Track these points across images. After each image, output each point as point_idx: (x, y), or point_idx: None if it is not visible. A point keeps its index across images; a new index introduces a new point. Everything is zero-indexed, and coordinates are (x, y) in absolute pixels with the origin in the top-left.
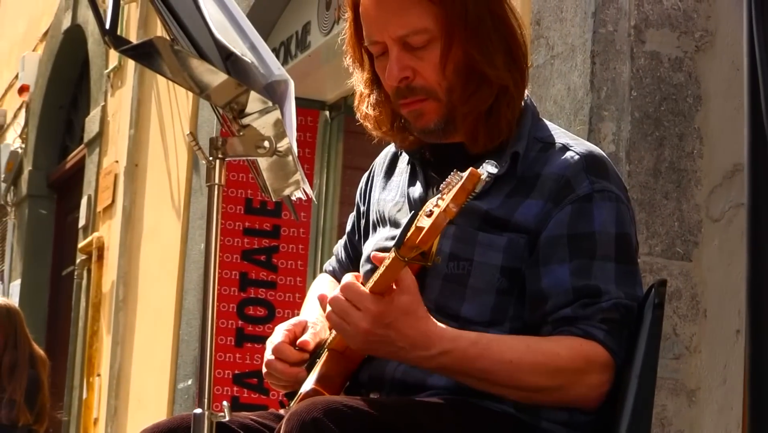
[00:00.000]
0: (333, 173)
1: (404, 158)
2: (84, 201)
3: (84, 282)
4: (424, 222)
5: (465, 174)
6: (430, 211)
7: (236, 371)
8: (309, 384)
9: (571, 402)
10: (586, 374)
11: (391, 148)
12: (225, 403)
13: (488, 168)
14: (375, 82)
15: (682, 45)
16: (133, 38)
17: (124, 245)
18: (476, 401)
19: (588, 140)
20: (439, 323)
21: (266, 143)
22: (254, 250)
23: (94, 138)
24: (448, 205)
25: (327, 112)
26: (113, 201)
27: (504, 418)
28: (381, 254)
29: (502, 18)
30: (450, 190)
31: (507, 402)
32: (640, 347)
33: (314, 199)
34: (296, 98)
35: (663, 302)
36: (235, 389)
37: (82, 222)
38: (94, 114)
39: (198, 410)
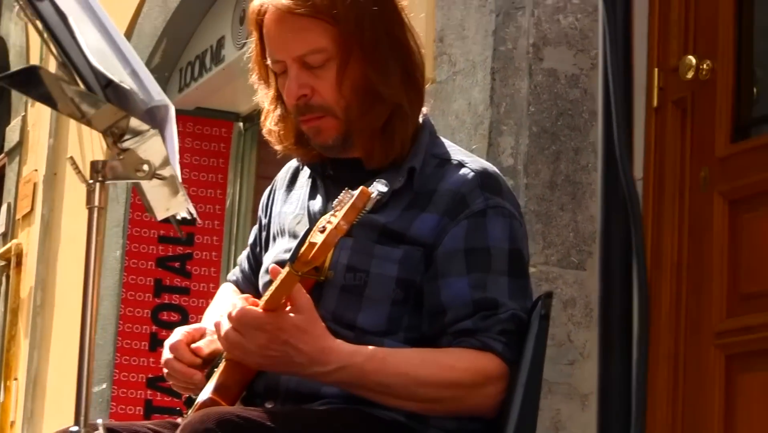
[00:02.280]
0: (246, 183)
1: (306, 172)
2: (3, 208)
3: (2, 288)
4: (317, 238)
5: (356, 193)
6: (323, 227)
7: (150, 375)
8: (206, 394)
9: (469, 412)
10: (483, 386)
11: (293, 163)
12: (99, 421)
13: (378, 187)
14: (279, 98)
15: (578, 62)
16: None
17: (42, 252)
18: (367, 409)
19: (487, 154)
20: (336, 340)
21: (145, 166)
22: (169, 257)
23: (14, 147)
24: (339, 223)
25: (241, 124)
26: (32, 209)
27: (393, 426)
28: (278, 268)
29: (399, 38)
30: (342, 207)
31: (397, 411)
32: (527, 356)
33: (227, 207)
34: (211, 110)
35: (549, 313)
36: (148, 392)
37: (1, 229)
38: (15, 124)
39: (74, 428)
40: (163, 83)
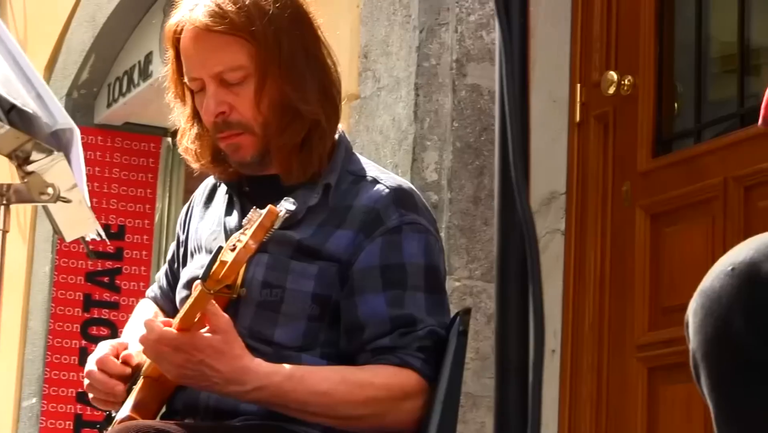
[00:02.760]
0: (175, 198)
1: (223, 189)
2: None
3: None
4: (228, 256)
5: (263, 211)
6: (234, 246)
7: (79, 390)
8: (125, 411)
9: (389, 428)
10: (403, 402)
11: (210, 180)
12: None
13: (286, 205)
14: (195, 116)
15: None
16: None
17: None
18: (286, 425)
19: (411, 169)
20: (254, 359)
21: (50, 190)
22: (98, 272)
23: None
24: (247, 242)
25: (169, 139)
26: None
27: None
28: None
29: (316, 55)
30: (251, 226)
31: (315, 426)
32: (445, 372)
33: (156, 222)
34: (140, 125)
35: (467, 329)
36: (78, 407)
37: None
38: None
39: None
40: (92, 99)
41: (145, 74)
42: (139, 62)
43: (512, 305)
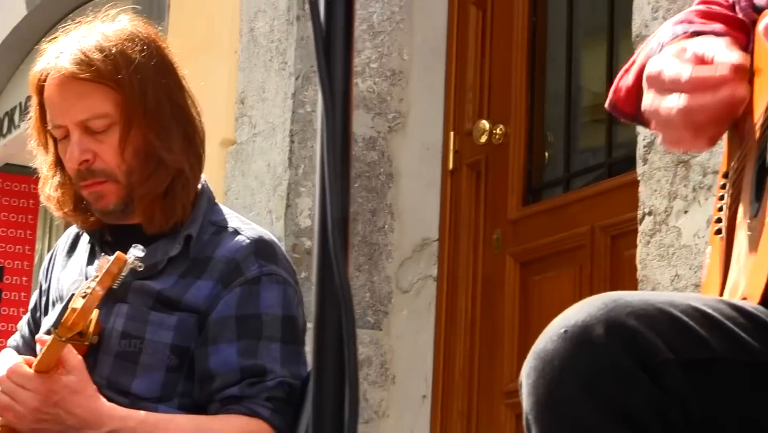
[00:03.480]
0: (54, 239)
1: (86, 238)
2: None
3: None
4: (78, 303)
5: (112, 258)
6: (84, 293)
7: None
8: None
9: None
10: None
11: (73, 229)
12: None
13: (135, 252)
14: (58, 164)
15: (375, 125)
16: None
17: None
18: None
19: (285, 215)
20: (108, 402)
21: None
22: None
23: None
24: (95, 289)
25: None
26: None
27: None
28: (45, 337)
29: (181, 105)
30: (100, 273)
31: None
32: (303, 422)
33: (36, 263)
34: (20, 166)
35: None
36: None
37: None
38: None
39: None
40: None
41: (25, 116)
42: (20, 104)
43: (328, 378)
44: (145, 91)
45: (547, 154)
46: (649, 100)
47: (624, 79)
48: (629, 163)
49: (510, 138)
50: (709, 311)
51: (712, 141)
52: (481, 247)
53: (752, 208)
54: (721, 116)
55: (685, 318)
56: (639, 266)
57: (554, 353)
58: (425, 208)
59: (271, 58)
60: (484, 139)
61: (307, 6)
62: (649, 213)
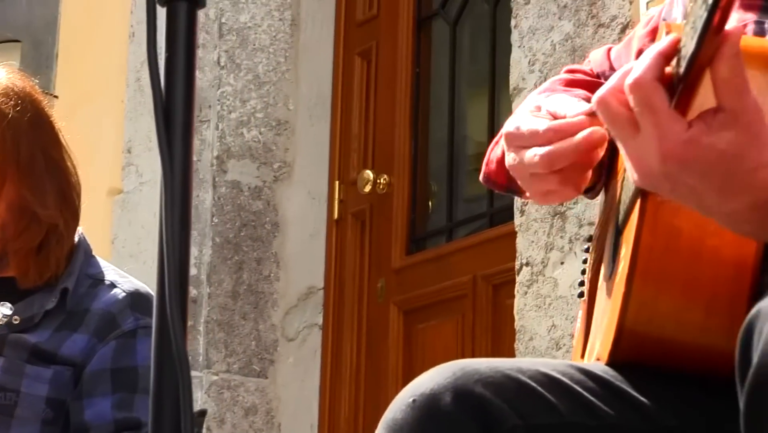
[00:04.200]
0: None
1: None
2: None
3: None
4: None
5: None
6: None
7: None
8: None
9: None
10: None
11: None
12: None
13: (3, 310)
14: None
15: (261, 175)
16: None
17: None
18: None
19: None
20: None
21: None
22: None
23: None
24: None
25: None
26: None
27: None
28: None
29: (56, 160)
30: None
31: None
32: None
33: None
34: None
35: (201, 431)
36: None
37: None
38: None
39: None
40: None
41: None
42: None
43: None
44: (19, 146)
45: (430, 203)
46: (511, 158)
47: (494, 151)
48: (510, 213)
49: (394, 188)
50: (558, 376)
51: (579, 188)
52: (366, 295)
53: (609, 269)
54: (583, 160)
55: (533, 384)
56: (517, 317)
57: (403, 422)
58: (311, 257)
59: None
60: (368, 188)
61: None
62: (527, 264)
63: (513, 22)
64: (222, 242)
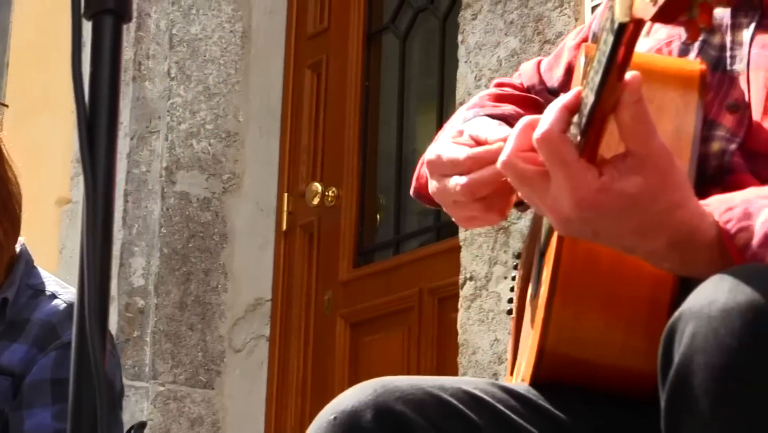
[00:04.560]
0: None
1: None
2: None
3: None
4: None
5: None
6: None
7: None
8: None
9: None
10: None
11: None
12: None
13: None
14: None
15: (210, 186)
16: None
17: None
18: None
19: (119, 275)
20: None
21: None
22: None
23: None
24: None
25: None
26: None
27: None
28: None
29: None
30: None
31: None
32: None
33: None
34: None
35: None
36: None
37: None
38: None
39: None
40: None
41: None
42: None
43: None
44: None
45: (378, 216)
46: (434, 186)
47: (424, 167)
48: (457, 227)
49: (342, 200)
50: (480, 394)
51: (503, 213)
52: (313, 307)
53: (534, 289)
54: (504, 187)
55: (454, 401)
56: (460, 330)
57: None
58: (259, 269)
59: None
60: (316, 201)
61: (143, 67)
62: (471, 278)
63: (460, 38)
64: (170, 252)
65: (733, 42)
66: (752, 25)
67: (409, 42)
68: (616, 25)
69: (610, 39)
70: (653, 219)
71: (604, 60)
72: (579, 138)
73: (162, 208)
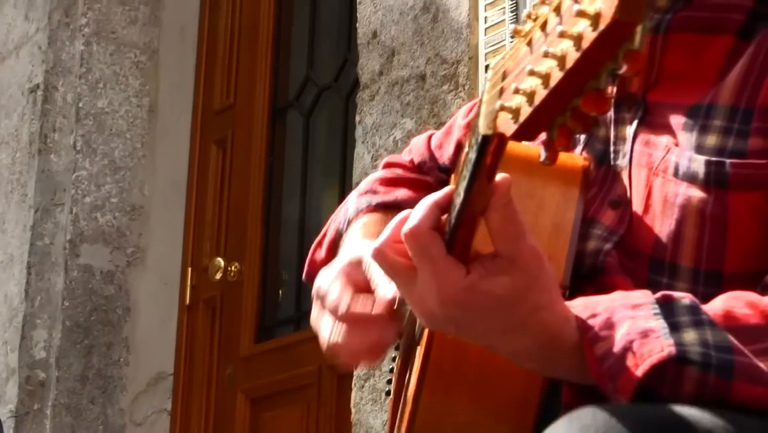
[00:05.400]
0: None
1: None
2: None
3: None
4: None
5: None
6: None
7: None
8: None
9: None
10: None
11: None
12: None
13: None
14: None
15: (114, 259)
16: None
17: None
18: None
19: (20, 347)
20: None
21: None
22: None
23: None
24: None
25: None
26: None
27: None
28: None
29: None
30: None
31: None
32: None
33: None
34: None
35: None
36: None
37: None
38: None
39: None
40: None
41: None
42: None
43: None
44: None
45: (281, 292)
46: (314, 314)
47: (317, 252)
48: None
49: (245, 275)
50: None
51: (374, 362)
52: (215, 382)
53: (406, 377)
54: (371, 352)
55: None
56: (353, 410)
57: None
58: (161, 343)
59: (12, 189)
60: (219, 276)
61: (48, 140)
62: None
63: (357, 118)
64: (72, 325)
65: (616, 137)
66: (635, 122)
67: (313, 119)
68: (479, 138)
69: (475, 148)
70: (517, 320)
71: (470, 166)
72: (449, 235)
73: (65, 280)
